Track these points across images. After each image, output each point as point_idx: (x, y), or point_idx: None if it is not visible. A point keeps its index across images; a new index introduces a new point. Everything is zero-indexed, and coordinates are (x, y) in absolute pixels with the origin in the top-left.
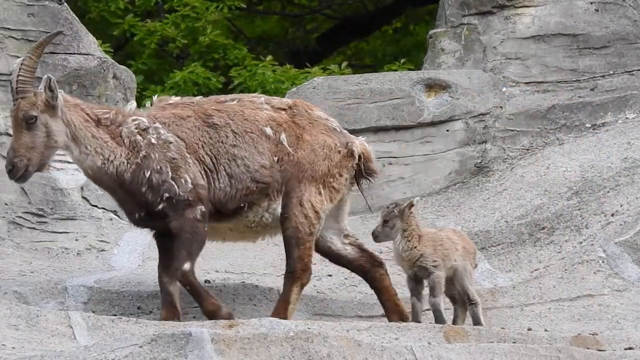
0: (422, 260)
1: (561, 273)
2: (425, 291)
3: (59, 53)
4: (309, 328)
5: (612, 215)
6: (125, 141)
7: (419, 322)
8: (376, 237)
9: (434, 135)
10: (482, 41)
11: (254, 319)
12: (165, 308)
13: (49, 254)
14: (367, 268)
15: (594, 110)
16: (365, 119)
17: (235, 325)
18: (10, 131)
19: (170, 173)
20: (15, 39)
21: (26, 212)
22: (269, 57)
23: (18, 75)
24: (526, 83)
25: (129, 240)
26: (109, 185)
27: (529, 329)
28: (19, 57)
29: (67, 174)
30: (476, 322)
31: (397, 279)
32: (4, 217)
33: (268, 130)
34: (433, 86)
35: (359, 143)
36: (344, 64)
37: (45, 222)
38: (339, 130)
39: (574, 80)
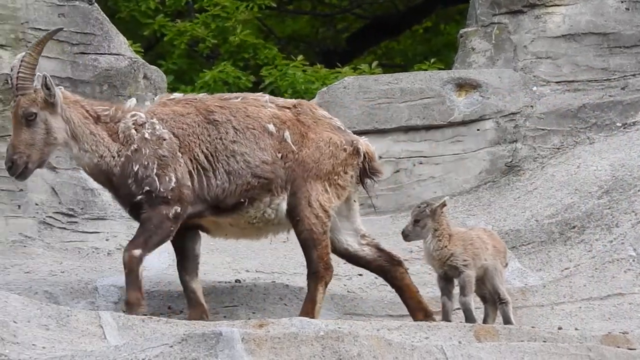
0: (452, 259)
1: (591, 272)
2: (456, 290)
3: (90, 53)
4: (339, 327)
5: None
6: (120, 136)
7: (450, 321)
8: (406, 236)
9: (465, 135)
10: (512, 40)
11: (284, 319)
12: (191, 306)
13: (80, 254)
14: (387, 267)
15: (625, 109)
16: (396, 119)
17: (265, 324)
18: None
19: (155, 169)
20: None
21: (57, 212)
22: (300, 57)
23: (18, 72)
24: (557, 82)
25: None
26: (103, 180)
27: (560, 328)
28: (49, 58)
29: None
30: (507, 321)
31: (428, 278)
32: (34, 217)
33: (270, 127)
34: (464, 85)
35: (363, 142)
36: (375, 63)
37: (76, 222)
38: (343, 128)
39: (604, 79)
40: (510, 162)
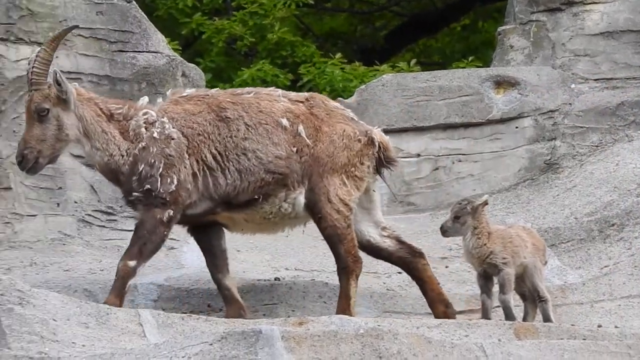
0: (491, 257)
1: (631, 269)
2: (495, 288)
3: (128, 51)
4: (379, 325)
5: None
6: (130, 134)
7: (489, 319)
8: (445, 231)
9: (503, 132)
10: (550, 38)
11: (323, 317)
12: (228, 304)
13: (119, 252)
14: (409, 260)
15: None
16: (434, 116)
17: (305, 322)
18: None
19: (161, 169)
20: (84, 37)
21: (96, 210)
22: (338, 55)
23: (32, 67)
24: (595, 80)
25: None
26: (113, 178)
27: (599, 326)
28: (87, 56)
29: None
30: (546, 319)
31: (468, 276)
32: (73, 215)
33: (284, 122)
34: (502, 83)
35: (377, 132)
36: (413, 61)
37: (115, 220)
38: (356, 119)
39: None
40: (549, 159)
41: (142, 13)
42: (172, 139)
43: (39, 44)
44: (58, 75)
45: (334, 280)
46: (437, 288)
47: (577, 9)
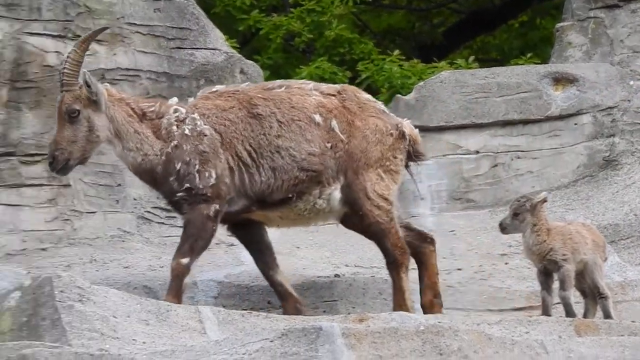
0: (551, 254)
1: None
2: (555, 285)
3: (186, 48)
4: (439, 322)
5: None
6: (162, 132)
7: (550, 315)
8: (504, 228)
9: (562, 129)
10: (609, 34)
11: (384, 313)
12: (283, 299)
13: None
14: (416, 244)
15: None
16: (493, 113)
17: (365, 319)
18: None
19: (197, 165)
20: (142, 34)
21: (155, 207)
22: (396, 52)
23: (63, 69)
24: None
25: None
26: (147, 179)
27: None
28: (145, 53)
29: None
30: (607, 315)
31: (527, 273)
32: (132, 212)
33: (317, 118)
34: (560, 80)
35: (407, 124)
36: (471, 58)
37: (174, 217)
38: (387, 112)
39: None
40: (608, 156)
41: (200, 10)
42: (205, 135)
43: (98, 41)
44: (87, 76)
45: None
46: (434, 277)
47: (635, 6)
